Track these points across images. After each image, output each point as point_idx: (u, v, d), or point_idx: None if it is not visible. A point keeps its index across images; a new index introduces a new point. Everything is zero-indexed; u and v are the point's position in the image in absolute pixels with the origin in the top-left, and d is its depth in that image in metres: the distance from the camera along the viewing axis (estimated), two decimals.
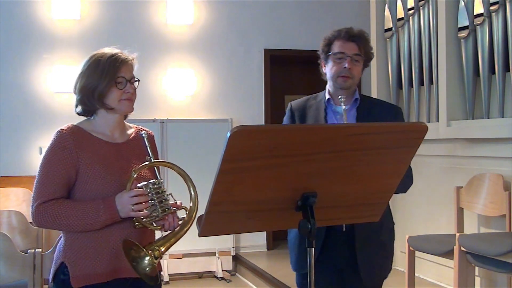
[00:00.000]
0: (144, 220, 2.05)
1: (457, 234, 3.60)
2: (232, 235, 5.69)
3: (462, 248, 3.50)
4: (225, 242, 5.67)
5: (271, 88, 6.31)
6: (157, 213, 2.05)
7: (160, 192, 2.06)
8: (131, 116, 2.25)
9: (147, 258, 1.99)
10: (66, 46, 5.72)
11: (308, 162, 1.57)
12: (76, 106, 2.14)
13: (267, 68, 6.25)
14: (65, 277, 2.05)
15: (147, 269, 2.00)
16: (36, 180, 2.06)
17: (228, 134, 1.42)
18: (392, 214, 2.57)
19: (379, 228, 2.34)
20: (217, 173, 1.49)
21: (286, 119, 2.59)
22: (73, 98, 2.16)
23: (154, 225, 2.08)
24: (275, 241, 6.23)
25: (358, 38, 2.42)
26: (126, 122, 2.25)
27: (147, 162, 2.10)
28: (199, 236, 1.65)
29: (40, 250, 3.12)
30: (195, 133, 5.76)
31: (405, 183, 2.23)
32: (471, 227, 4.21)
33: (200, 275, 5.63)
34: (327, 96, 2.54)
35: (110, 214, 2.00)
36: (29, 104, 5.65)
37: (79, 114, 2.15)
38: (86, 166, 2.04)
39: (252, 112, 6.19)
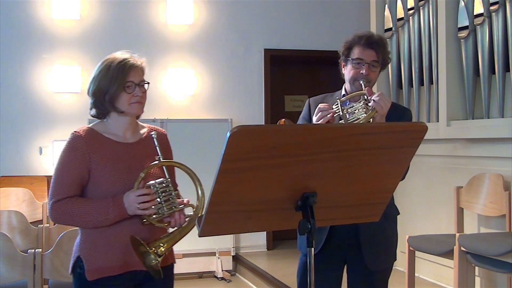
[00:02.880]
0: (151, 217, 2.15)
1: (457, 234, 3.61)
2: (232, 235, 5.69)
3: (462, 248, 3.50)
4: (225, 242, 5.67)
5: (271, 88, 6.31)
6: (163, 211, 2.16)
7: (167, 191, 2.17)
8: None
9: (152, 255, 2.10)
10: (66, 46, 5.72)
11: (308, 162, 1.57)
12: (91, 109, 2.25)
13: (267, 68, 6.25)
14: (81, 271, 2.18)
15: (153, 262, 2.10)
16: (52, 179, 2.20)
17: (228, 134, 1.42)
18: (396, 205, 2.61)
19: (382, 216, 2.37)
20: (217, 173, 1.49)
21: (303, 114, 2.67)
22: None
23: (161, 222, 2.19)
24: (275, 241, 6.23)
25: (377, 45, 2.49)
26: (139, 122, 2.35)
27: (156, 162, 2.19)
28: (199, 236, 1.65)
29: (40, 250, 3.13)
30: (195, 133, 5.75)
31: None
32: (471, 227, 4.21)
33: (200, 275, 5.63)
34: (343, 94, 2.59)
35: (118, 212, 2.12)
36: (29, 104, 5.65)
37: (93, 116, 2.27)
38: (97, 166, 2.16)
39: (252, 112, 6.19)
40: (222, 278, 5.50)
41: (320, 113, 2.38)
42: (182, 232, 2.19)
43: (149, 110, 6.28)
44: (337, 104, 2.41)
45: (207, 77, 6.09)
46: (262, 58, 6.24)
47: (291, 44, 6.30)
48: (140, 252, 2.09)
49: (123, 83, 2.16)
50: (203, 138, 5.72)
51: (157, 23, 5.96)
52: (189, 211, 2.23)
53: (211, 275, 5.64)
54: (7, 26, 5.60)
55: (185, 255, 5.56)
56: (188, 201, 2.22)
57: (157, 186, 2.15)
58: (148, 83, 2.24)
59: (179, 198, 2.23)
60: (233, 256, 5.77)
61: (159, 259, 2.10)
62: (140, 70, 2.22)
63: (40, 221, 4.76)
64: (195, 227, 2.10)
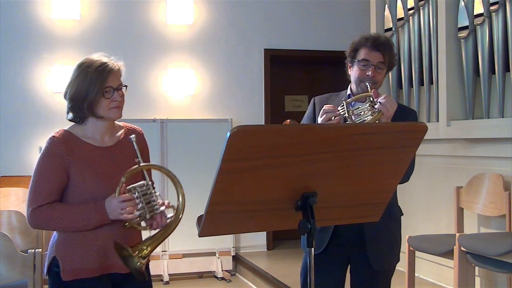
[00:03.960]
0: (133, 221, 2.15)
1: (457, 234, 3.60)
2: (232, 235, 5.68)
3: (462, 248, 3.50)
4: (225, 242, 5.67)
5: (271, 88, 6.31)
6: (145, 215, 2.16)
7: (148, 193, 2.17)
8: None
9: (135, 258, 2.11)
10: (66, 46, 5.72)
11: (308, 162, 1.57)
12: (68, 112, 2.24)
13: (267, 68, 6.25)
14: (58, 270, 2.18)
15: (137, 266, 2.11)
16: (30, 185, 2.17)
17: (228, 134, 1.42)
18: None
19: (387, 216, 2.37)
20: (217, 173, 1.49)
21: (307, 113, 2.66)
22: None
23: (143, 225, 2.19)
24: (275, 241, 6.23)
25: (383, 47, 2.48)
26: (116, 122, 2.32)
27: (136, 166, 2.17)
28: (199, 236, 1.65)
29: (40, 250, 3.12)
30: (195, 133, 5.76)
31: (407, 172, 2.26)
32: (471, 227, 4.21)
33: (200, 275, 5.63)
34: (348, 93, 2.59)
35: (100, 217, 2.12)
36: (29, 104, 5.65)
37: (70, 120, 2.25)
38: (76, 171, 2.15)
39: (252, 112, 6.19)
40: (222, 278, 5.50)
41: (325, 114, 2.37)
42: (164, 234, 2.19)
43: (149, 110, 6.33)
44: (343, 105, 2.40)
45: (207, 77, 6.09)
46: (262, 58, 6.24)
47: (291, 44, 6.30)
48: (124, 256, 2.10)
49: (102, 88, 2.14)
50: (203, 138, 5.72)
51: (157, 23, 5.96)
52: (170, 213, 2.24)
53: (211, 275, 5.64)
54: (7, 26, 5.60)
55: (185, 255, 5.56)
56: (168, 203, 2.22)
57: (138, 189, 2.15)
58: (126, 86, 2.22)
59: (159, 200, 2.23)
60: (233, 256, 5.77)
61: (143, 261, 2.11)
62: (118, 73, 2.20)
63: None
64: (190, 226, 2.11)
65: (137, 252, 2.11)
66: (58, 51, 5.70)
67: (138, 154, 2.17)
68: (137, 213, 2.14)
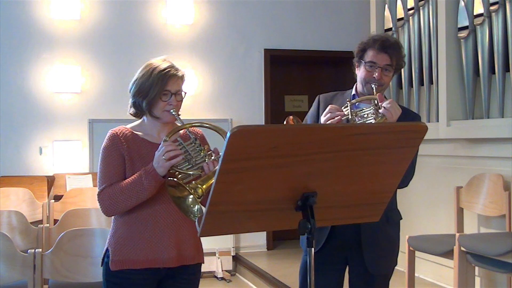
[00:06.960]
0: (180, 168, 2.18)
1: (457, 234, 3.61)
2: (232, 235, 5.69)
3: (462, 248, 3.50)
4: (225, 242, 5.67)
5: (271, 88, 6.31)
6: (192, 160, 2.19)
7: (191, 142, 2.23)
8: (131, 116, 2.40)
9: (191, 196, 2.10)
10: (66, 46, 5.72)
11: (308, 162, 1.57)
12: (130, 107, 2.37)
13: (267, 68, 6.25)
14: (107, 260, 2.31)
15: (191, 206, 2.12)
16: (97, 177, 2.32)
17: (228, 134, 1.42)
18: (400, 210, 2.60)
19: (384, 220, 2.36)
20: (217, 173, 1.49)
21: (311, 110, 2.66)
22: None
23: (191, 173, 2.19)
24: (275, 241, 6.23)
25: (391, 50, 2.45)
26: (176, 123, 2.38)
27: (179, 125, 2.27)
28: (199, 236, 1.65)
29: (40, 250, 3.12)
30: None
31: (406, 177, 2.25)
32: (471, 227, 4.21)
33: (200, 275, 5.62)
34: (353, 94, 2.58)
35: (150, 176, 2.19)
36: (29, 104, 5.65)
37: (131, 114, 2.39)
38: (129, 161, 2.28)
39: (252, 112, 6.19)
40: (222, 278, 5.50)
41: (329, 114, 2.37)
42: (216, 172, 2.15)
43: None
44: (347, 105, 2.39)
45: (207, 77, 6.10)
46: (262, 58, 6.24)
47: (291, 44, 6.30)
48: (177, 197, 2.11)
49: (161, 91, 2.25)
50: None
51: (157, 23, 5.96)
52: None
53: (211, 275, 5.64)
54: (7, 26, 5.60)
55: None
56: (216, 149, 2.24)
57: (180, 139, 2.22)
58: (185, 92, 2.33)
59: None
60: (233, 256, 5.77)
61: (199, 200, 2.10)
62: (179, 80, 2.31)
63: (40, 221, 4.76)
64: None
65: (192, 190, 2.08)
66: (58, 51, 5.70)
67: (179, 117, 2.26)
68: (181, 156, 2.17)
